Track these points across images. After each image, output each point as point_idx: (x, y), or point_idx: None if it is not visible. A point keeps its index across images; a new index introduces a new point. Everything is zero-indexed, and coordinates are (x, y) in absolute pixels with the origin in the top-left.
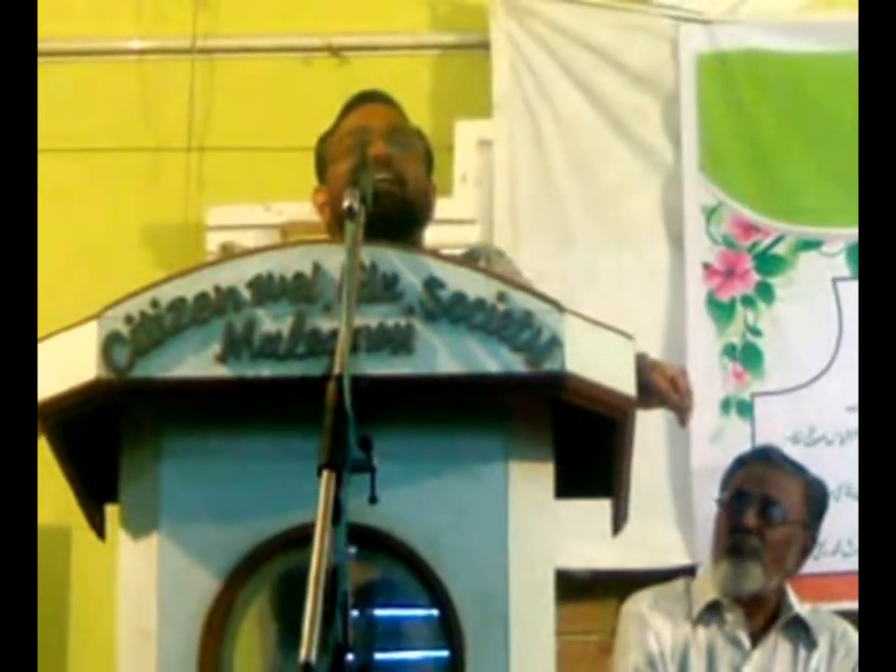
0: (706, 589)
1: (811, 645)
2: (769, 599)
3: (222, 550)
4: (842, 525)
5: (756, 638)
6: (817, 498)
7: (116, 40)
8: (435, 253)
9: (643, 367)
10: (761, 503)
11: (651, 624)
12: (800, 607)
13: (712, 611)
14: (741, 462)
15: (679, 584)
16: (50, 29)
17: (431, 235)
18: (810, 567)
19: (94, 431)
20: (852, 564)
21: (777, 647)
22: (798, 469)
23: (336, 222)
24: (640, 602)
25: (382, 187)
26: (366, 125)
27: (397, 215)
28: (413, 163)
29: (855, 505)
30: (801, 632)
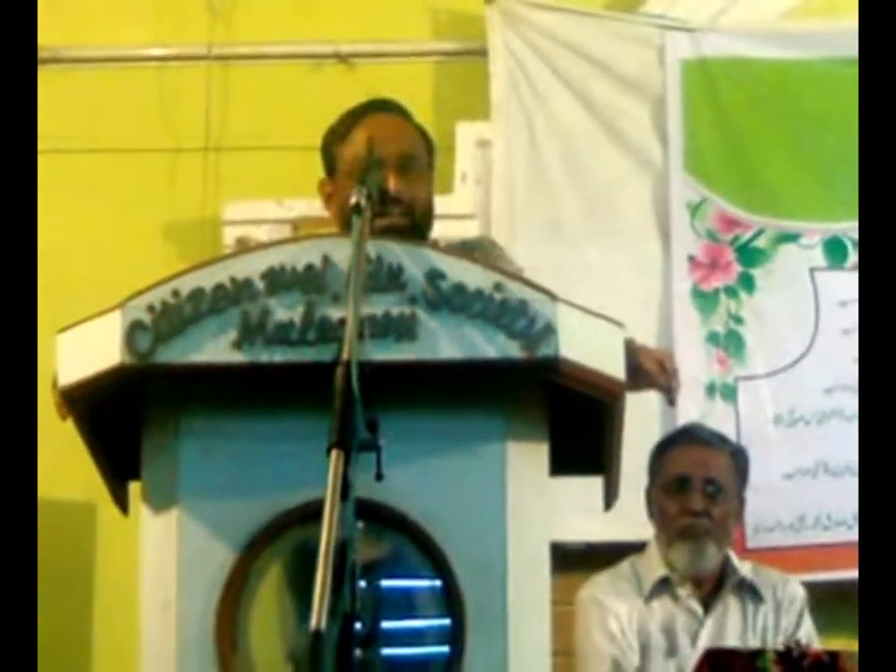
0: (653, 566)
1: (758, 601)
2: (716, 568)
3: (238, 524)
4: (821, 500)
5: (707, 605)
6: (742, 467)
7: (137, 48)
8: (436, 246)
9: (632, 351)
10: (703, 484)
11: (608, 606)
12: (743, 569)
13: (663, 586)
14: (669, 444)
15: (625, 566)
16: (77, 38)
17: (434, 229)
18: (792, 539)
19: (118, 413)
20: (831, 536)
21: (728, 609)
22: (724, 442)
23: (342, 221)
24: (594, 587)
25: (394, 221)
26: (378, 156)
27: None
28: (422, 186)
29: (832, 481)
30: (747, 591)
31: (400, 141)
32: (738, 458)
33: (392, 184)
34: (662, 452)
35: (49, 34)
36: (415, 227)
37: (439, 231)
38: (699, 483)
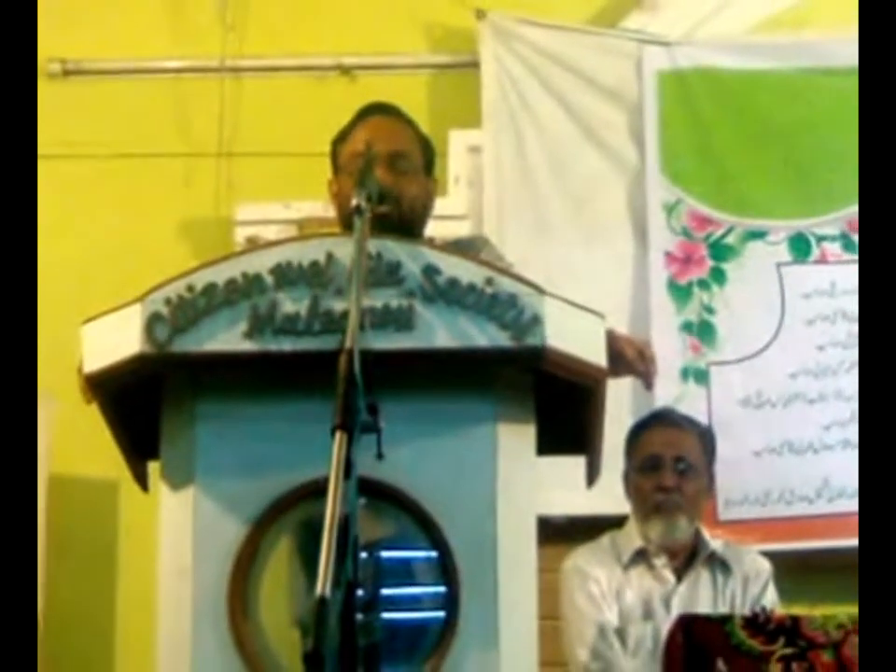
0: (631, 538)
1: (727, 573)
2: (688, 541)
3: (249, 500)
4: (786, 476)
5: (680, 574)
6: (710, 445)
7: (156, 61)
8: (432, 244)
9: (613, 339)
10: (674, 463)
11: (590, 573)
12: (714, 543)
13: (640, 557)
14: (642, 427)
15: (605, 538)
16: (100, 52)
17: (430, 229)
18: (758, 512)
19: (138, 398)
20: (795, 509)
21: (699, 579)
22: (692, 424)
23: (343, 215)
24: (577, 558)
25: (383, 211)
26: (368, 153)
27: (395, 231)
28: (409, 183)
29: (796, 459)
30: (718, 564)
31: (393, 140)
32: (706, 438)
33: (381, 177)
34: (636, 435)
35: (74, 48)
36: (403, 220)
37: (434, 230)
38: (670, 462)
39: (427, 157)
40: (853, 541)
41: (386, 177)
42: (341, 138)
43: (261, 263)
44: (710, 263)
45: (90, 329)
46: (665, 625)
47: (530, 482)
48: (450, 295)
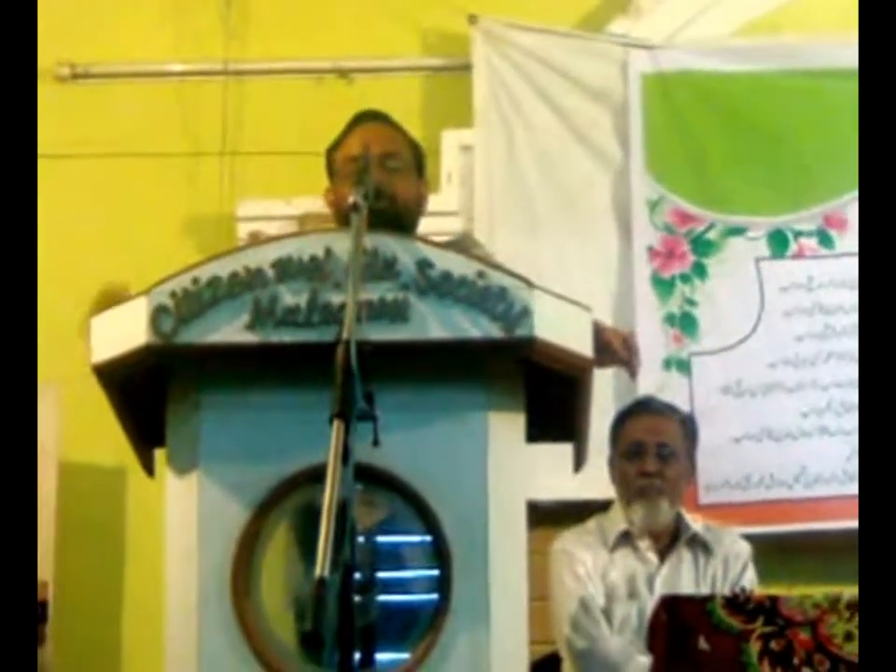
0: (616, 522)
1: (708, 554)
2: (670, 523)
3: (251, 485)
4: (765, 462)
5: (663, 556)
6: (691, 432)
7: (162, 65)
8: (426, 239)
9: (599, 330)
10: (656, 449)
11: (577, 556)
12: (696, 526)
13: (624, 539)
14: (626, 415)
15: (591, 522)
16: (108, 56)
17: (423, 225)
18: (738, 496)
19: (145, 387)
20: (773, 494)
21: (682, 560)
22: (674, 411)
23: (340, 220)
24: (564, 541)
25: (379, 207)
26: (364, 154)
27: (389, 227)
28: (402, 181)
29: (774, 445)
30: (699, 546)
31: (384, 142)
32: (687, 425)
33: (374, 175)
34: (620, 422)
35: (84, 52)
36: (397, 216)
37: (427, 226)
38: (653, 448)
39: (418, 159)
40: (830, 524)
41: (380, 176)
42: (334, 146)
43: (263, 258)
44: (692, 258)
45: (98, 320)
46: (649, 605)
47: (520, 467)
48: (443, 288)
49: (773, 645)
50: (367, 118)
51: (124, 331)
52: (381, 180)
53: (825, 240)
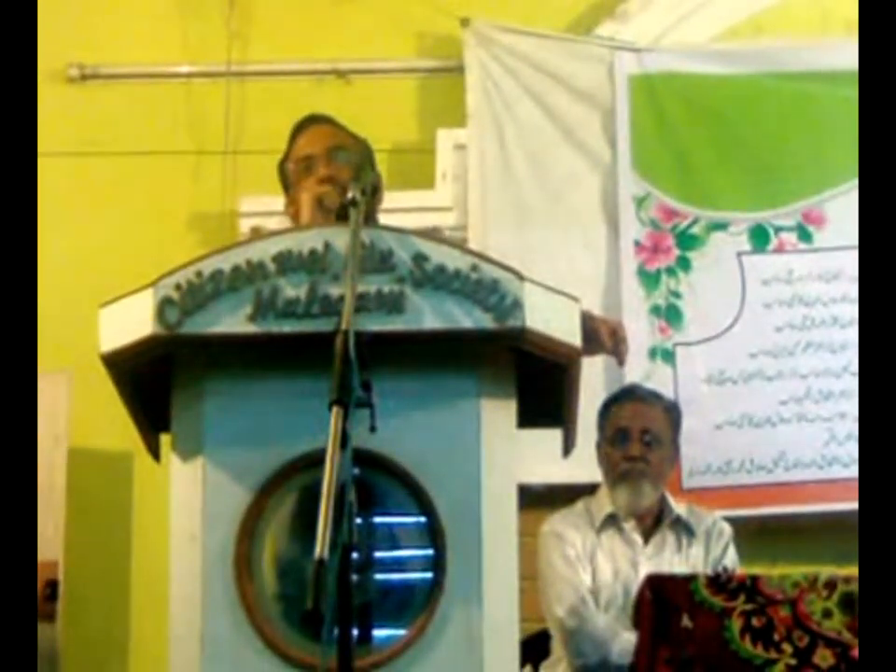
0: (603, 505)
1: (691, 535)
2: (654, 506)
3: (254, 469)
4: (746, 447)
5: (647, 537)
6: (676, 418)
7: (167, 66)
8: (421, 233)
9: (588, 321)
10: (640, 434)
11: (566, 537)
12: (679, 508)
13: (610, 521)
14: (612, 402)
15: (579, 505)
16: (115, 57)
17: (419, 220)
18: (720, 480)
19: (151, 375)
20: (754, 478)
21: (665, 541)
22: (658, 398)
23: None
24: (554, 523)
25: (328, 198)
26: (310, 153)
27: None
28: (349, 171)
29: (755, 431)
30: (682, 528)
31: (328, 139)
32: (671, 412)
33: (321, 171)
34: (607, 409)
35: (92, 54)
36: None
37: (423, 221)
38: (637, 434)
39: (366, 152)
40: (808, 507)
41: (329, 169)
42: (284, 158)
43: (264, 251)
44: (677, 252)
45: (106, 312)
46: (635, 584)
47: (511, 452)
48: (437, 280)
49: (754, 622)
50: (308, 121)
51: (131, 322)
52: (331, 174)
53: (804, 235)
